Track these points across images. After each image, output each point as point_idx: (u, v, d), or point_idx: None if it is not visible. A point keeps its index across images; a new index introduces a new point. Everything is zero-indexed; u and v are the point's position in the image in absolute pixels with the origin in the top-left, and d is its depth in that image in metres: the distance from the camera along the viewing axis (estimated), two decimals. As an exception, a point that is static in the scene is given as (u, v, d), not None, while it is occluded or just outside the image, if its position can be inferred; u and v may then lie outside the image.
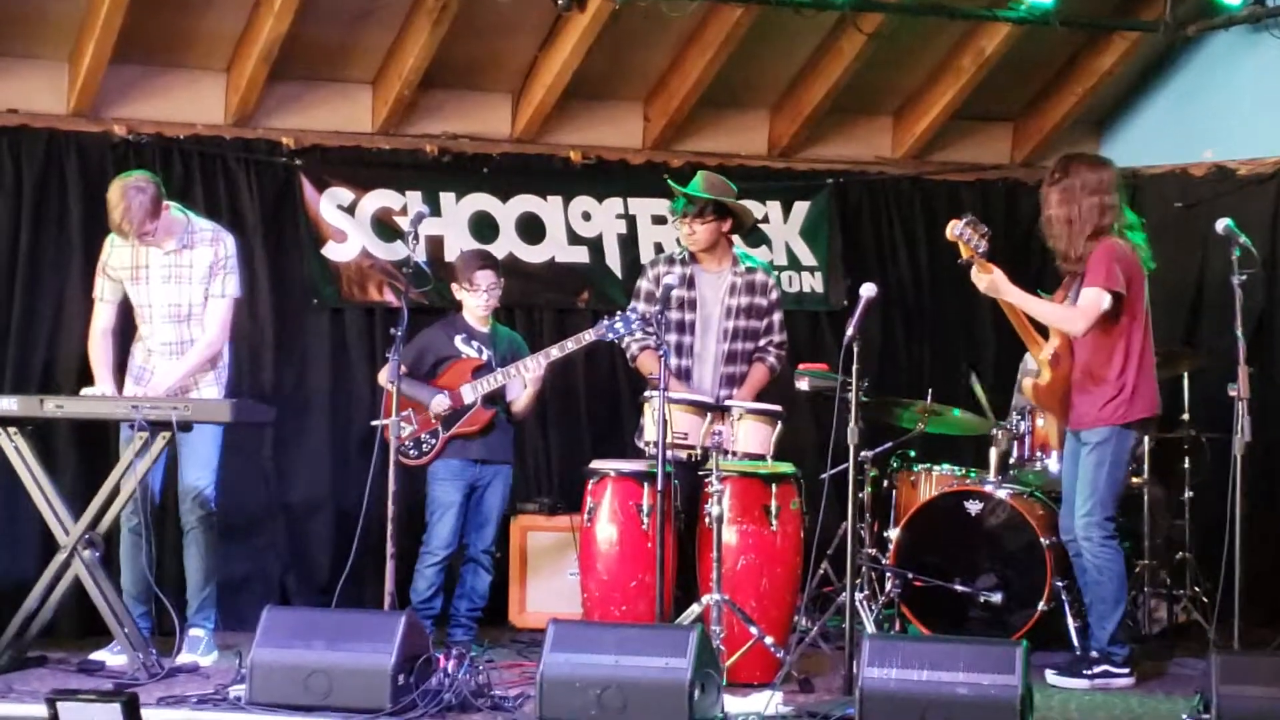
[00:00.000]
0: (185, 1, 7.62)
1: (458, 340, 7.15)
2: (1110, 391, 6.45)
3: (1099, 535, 6.45)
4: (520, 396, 7.15)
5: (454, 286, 7.31)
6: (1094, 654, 6.47)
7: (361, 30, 7.96)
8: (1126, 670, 6.45)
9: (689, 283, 6.96)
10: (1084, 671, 6.44)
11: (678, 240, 7.23)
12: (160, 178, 7.48)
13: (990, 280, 6.43)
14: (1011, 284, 6.47)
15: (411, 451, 7.08)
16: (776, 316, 7.10)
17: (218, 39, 7.86)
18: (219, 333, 6.82)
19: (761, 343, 7.05)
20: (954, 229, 6.35)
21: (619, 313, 6.87)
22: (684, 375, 6.91)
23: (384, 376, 7.19)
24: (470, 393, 7.05)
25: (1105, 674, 6.42)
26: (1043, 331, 6.63)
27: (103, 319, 6.89)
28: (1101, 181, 6.50)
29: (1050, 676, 6.47)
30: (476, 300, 7.17)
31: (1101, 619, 6.48)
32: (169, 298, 6.77)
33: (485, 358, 7.14)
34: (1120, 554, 6.52)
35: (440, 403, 7.04)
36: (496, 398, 7.12)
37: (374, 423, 7.28)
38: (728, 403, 6.58)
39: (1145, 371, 6.51)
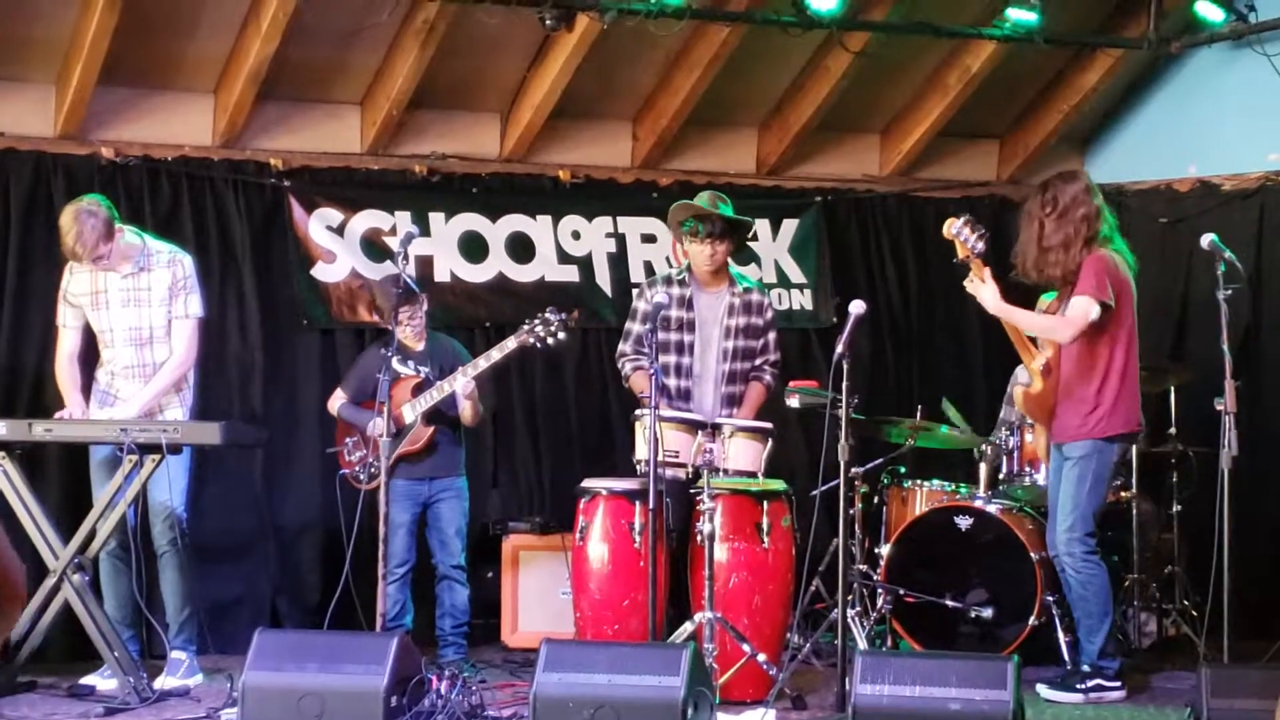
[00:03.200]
0: (173, 24, 7.62)
1: (395, 361, 7.10)
2: (1091, 405, 6.48)
3: (1080, 551, 6.47)
4: (462, 409, 7.16)
5: (376, 319, 7.37)
6: (1086, 668, 6.49)
7: (349, 51, 7.97)
8: (1118, 684, 6.47)
9: (687, 304, 6.95)
10: (1077, 686, 6.46)
11: (667, 259, 7.26)
12: (143, 198, 7.57)
13: (979, 290, 6.47)
14: (1000, 298, 6.50)
15: (361, 476, 7.12)
16: (772, 336, 7.11)
17: (205, 61, 7.86)
18: (186, 353, 6.82)
19: (758, 362, 7.06)
20: (950, 228, 6.44)
21: (538, 316, 6.91)
22: (684, 395, 6.91)
23: (333, 405, 7.34)
24: (410, 412, 7.06)
25: (1098, 687, 6.44)
26: (1036, 341, 6.66)
27: (68, 345, 6.89)
28: (1084, 191, 6.57)
29: (1043, 691, 6.49)
30: (402, 332, 7.16)
31: (1090, 633, 6.50)
32: (129, 321, 6.77)
33: (424, 375, 7.15)
34: (1103, 568, 6.54)
35: (377, 425, 7.02)
36: (439, 413, 7.12)
37: (328, 450, 7.33)
38: (718, 420, 6.59)
39: (1128, 386, 6.54)
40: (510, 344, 6.97)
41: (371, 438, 7.04)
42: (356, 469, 7.17)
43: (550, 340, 6.92)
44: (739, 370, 6.99)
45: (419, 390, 7.08)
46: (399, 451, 6.97)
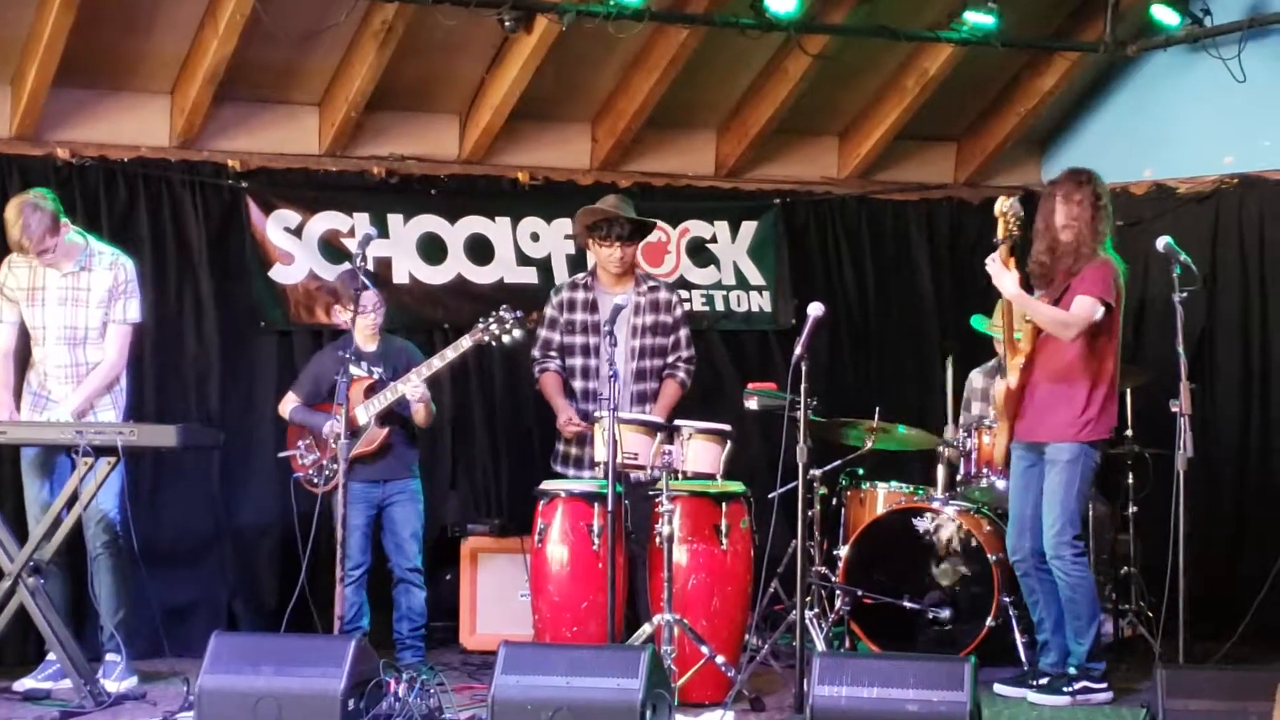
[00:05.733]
0: (129, 23, 7.57)
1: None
2: (1082, 409, 6.49)
3: (1070, 554, 6.47)
4: (415, 410, 7.14)
5: (335, 309, 7.33)
6: (1071, 670, 6.50)
7: (308, 52, 7.94)
8: (1104, 685, 6.49)
9: (591, 306, 7.13)
10: (1064, 689, 6.46)
11: (592, 265, 7.33)
12: (99, 199, 7.56)
13: (1001, 275, 6.46)
14: (1017, 285, 6.50)
15: (316, 479, 7.08)
16: (683, 333, 7.23)
17: (162, 61, 7.82)
18: (117, 358, 6.77)
19: (670, 359, 7.16)
20: (1003, 203, 6.42)
21: (491, 314, 6.93)
22: (591, 397, 7.00)
23: (285, 408, 7.30)
24: (363, 414, 7.03)
25: (1085, 690, 6.46)
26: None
27: (2, 341, 6.83)
28: (1104, 194, 6.61)
29: (1031, 696, 6.49)
30: (364, 321, 7.11)
31: (1078, 635, 6.50)
32: (65, 320, 6.72)
33: (376, 376, 7.13)
34: (1090, 571, 6.55)
35: (333, 427, 7.00)
36: (393, 414, 7.10)
37: (281, 454, 7.28)
38: (678, 423, 6.60)
39: (1114, 392, 6.58)
40: (465, 343, 6.98)
41: (326, 440, 7.02)
42: (310, 472, 7.15)
43: (505, 338, 6.95)
44: (649, 368, 7.13)
45: (372, 392, 7.06)
46: (353, 454, 6.93)
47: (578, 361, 7.12)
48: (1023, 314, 6.60)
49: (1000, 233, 6.47)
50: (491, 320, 6.92)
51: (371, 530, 7.16)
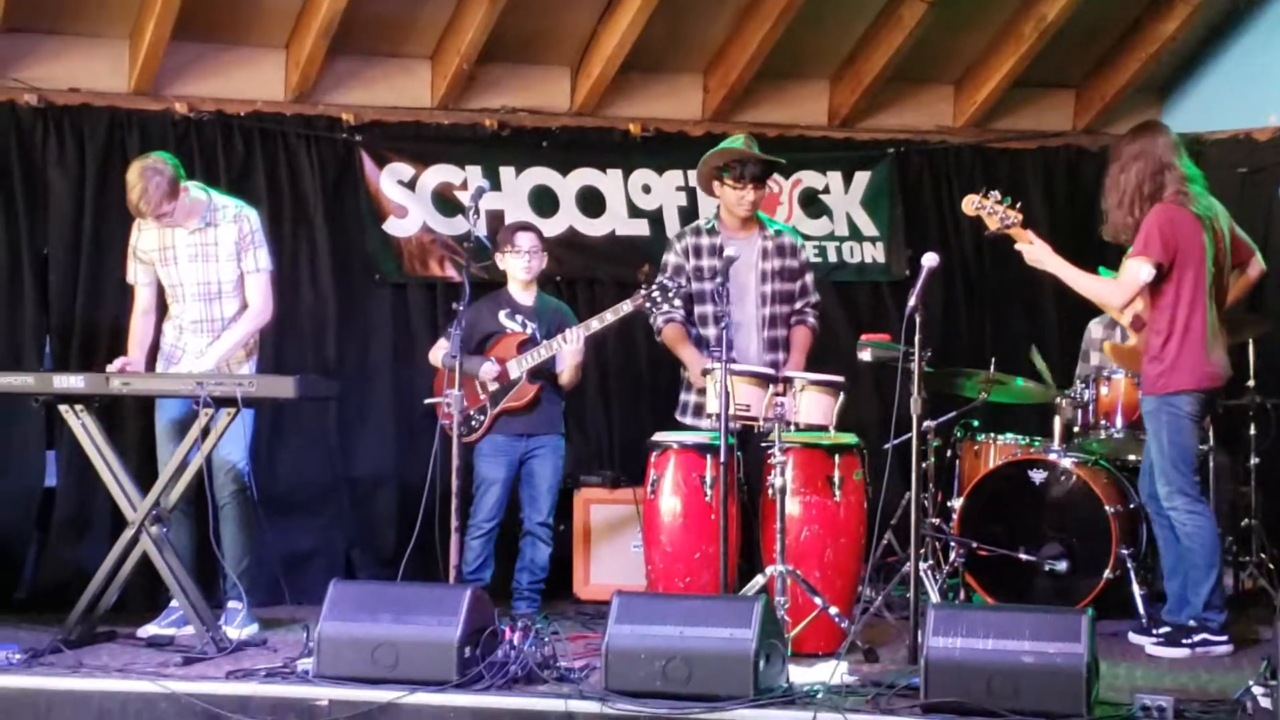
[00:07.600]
0: (244, -22, 7.67)
1: (502, 315, 7.16)
2: (1155, 361, 6.36)
3: (1182, 503, 6.34)
4: (565, 368, 7.15)
5: (497, 256, 7.32)
6: (1190, 622, 6.40)
7: (419, 5, 7.98)
8: (1224, 638, 6.36)
9: (719, 252, 6.93)
10: (1183, 641, 6.35)
11: (716, 211, 7.20)
12: (216, 153, 7.67)
13: (1031, 251, 6.40)
14: (1054, 254, 6.40)
15: (461, 429, 7.11)
16: (809, 277, 7.13)
17: (277, 15, 7.89)
18: (263, 304, 6.87)
19: (798, 305, 7.07)
20: (970, 204, 6.36)
21: (657, 279, 6.89)
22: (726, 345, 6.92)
23: (436, 355, 7.26)
24: (516, 368, 7.07)
25: (1204, 642, 6.33)
26: None
27: (141, 301, 6.95)
28: (1144, 150, 6.39)
29: (1149, 648, 6.40)
30: (519, 262, 7.15)
31: (1195, 585, 6.37)
32: (198, 276, 6.81)
33: (530, 331, 7.15)
34: (1209, 519, 6.36)
35: (489, 370, 7.06)
36: (542, 370, 7.13)
37: (427, 401, 7.30)
38: (788, 373, 6.56)
39: (1192, 340, 6.31)
40: (626, 307, 6.93)
41: (483, 379, 7.09)
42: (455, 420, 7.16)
43: (665, 307, 6.89)
44: (779, 314, 7.02)
45: (524, 347, 7.09)
46: (501, 407, 7.03)
47: (708, 309, 6.93)
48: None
49: (990, 227, 6.37)
50: (655, 288, 6.83)
51: (511, 485, 7.20)
